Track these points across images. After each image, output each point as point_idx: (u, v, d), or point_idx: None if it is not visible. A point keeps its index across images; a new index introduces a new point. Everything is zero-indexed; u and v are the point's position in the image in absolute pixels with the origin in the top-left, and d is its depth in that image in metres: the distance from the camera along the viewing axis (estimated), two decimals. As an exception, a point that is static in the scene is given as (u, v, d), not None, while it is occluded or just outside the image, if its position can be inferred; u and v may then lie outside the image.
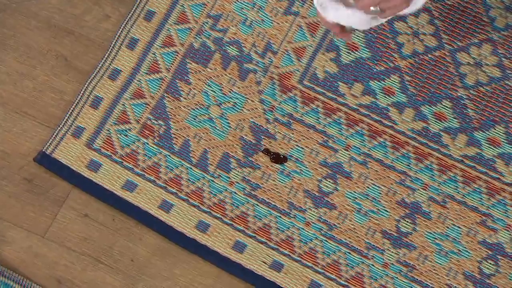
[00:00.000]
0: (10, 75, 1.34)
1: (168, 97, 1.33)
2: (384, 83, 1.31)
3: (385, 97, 1.31)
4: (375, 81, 1.31)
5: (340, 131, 1.30)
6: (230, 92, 1.32)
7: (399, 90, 1.31)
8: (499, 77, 1.30)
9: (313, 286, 1.25)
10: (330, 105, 1.31)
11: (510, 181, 1.27)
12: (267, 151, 1.30)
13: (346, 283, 1.25)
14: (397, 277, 1.25)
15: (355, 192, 1.28)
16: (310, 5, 1.34)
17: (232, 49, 1.34)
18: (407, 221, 1.27)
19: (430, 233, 1.26)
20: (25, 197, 1.30)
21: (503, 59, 1.30)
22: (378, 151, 1.29)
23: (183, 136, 1.31)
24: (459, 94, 1.30)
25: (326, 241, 1.27)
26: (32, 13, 1.36)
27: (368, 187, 1.28)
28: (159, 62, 1.34)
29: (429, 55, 1.32)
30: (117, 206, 1.29)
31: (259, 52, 1.33)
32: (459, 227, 1.26)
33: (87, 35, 1.36)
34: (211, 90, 1.32)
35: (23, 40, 1.36)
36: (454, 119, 1.30)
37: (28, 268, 1.27)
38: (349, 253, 1.26)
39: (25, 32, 1.36)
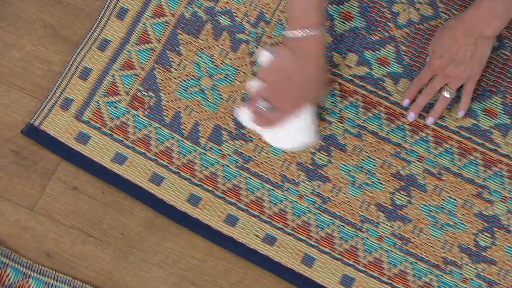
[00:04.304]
0: (-3, 45, 1.33)
1: (159, 68, 1.31)
2: (379, 53, 1.29)
3: (380, 67, 1.29)
4: (370, 51, 1.29)
5: (334, 102, 1.28)
6: (222, 63, 1.30)
7: (394, 60, 1.29)
8: (495, 47, 1.28)
9: (307, 260, 1.24)
10: (324, 76, 1.29)
11: (507, 152, 1.26)
12: None
13: (340, 257, 1.24)
14: (391, 250, 1.24)
15: (349, 164, 1.27)
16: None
17: (224, 19, 1.31)
18: (402, 194, 1.25)
19: (426, 205, 1.25)
20: (13, 170, 1.28)
21: (501, 28, 1.29)
22: (373, 123, 1.28)
23: (174, 108, 1.29)
24: (455, 64, 1.28)
25: (319, 214, 1.25)
26: (19, -17, 1.34)
27: (362, 160, 1.26)
28: (149, 33, 1.32)
29: (425, 24, 1.30)
30: (107, 179, 1.27)
31: (252, 21, 1.31)
32: (455, 199, 1.25)
33: (75, 4, 1.33)
34: (203, 61, 1.31)
35: (11, 9, 1.33)
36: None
37: (16, 241, 1.25)
38: (343, 226, 1.25)
39: (13, 1, 1.34)
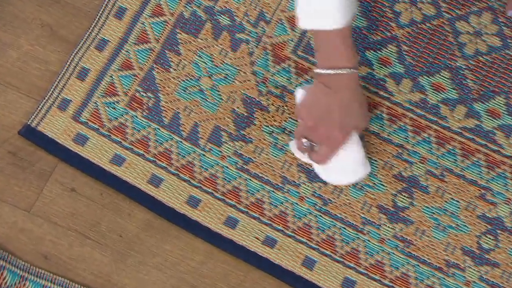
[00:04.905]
0: (-6, 45, 1.31)
1: (158, 68, 1.29)
2: (380, 53, 1.28)
3: (381, 67, 1.28)
4: (371, 51, 1.28)
5: (335, 103, 1.27)
6: (221, 63, 1.29)
7: (396, 60, 1.28)
8: (499, 47, 1.27)
9: (307, 262, 1.23)
10: (325, 76, 1.28)
11: (510, 153, 1.24)
12: None
13: (341, 259, 1.23)
14: (393, 253, 1.22)
15: (350, 166, 1.25)
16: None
17: (224, 18, 1.30)
18: (404, 195, 1.24)
19: (428, 207, 1.24)
20: (10, 171, 1.27)
21: (504, 28, 1.27)
22: (374, 123, 1.26)
23: (173, 109, 1.28)
24: (458, 64, 1.27)
25: (320, 216, 1.24)
26: (16, -18, 1.33)
27: (364, 161, 1.25)
28: (148, 32, 1.30)
29: (427, 24, 1.28)
30: (105, 180, 1.26)
31: (252, 21, 1.30)
32: (457, 201, 1.23)
33: (73, 3, 1.32)
34: (202, 61, 1.29)
35: (8, 8, 1.32)
36: (452, 90, 1.27)
37: (13, 243, 1.24)
38: (344, 228, 1.24)
39: (10, 0, 1.32)
